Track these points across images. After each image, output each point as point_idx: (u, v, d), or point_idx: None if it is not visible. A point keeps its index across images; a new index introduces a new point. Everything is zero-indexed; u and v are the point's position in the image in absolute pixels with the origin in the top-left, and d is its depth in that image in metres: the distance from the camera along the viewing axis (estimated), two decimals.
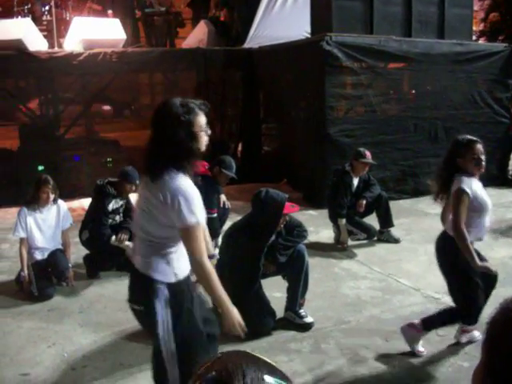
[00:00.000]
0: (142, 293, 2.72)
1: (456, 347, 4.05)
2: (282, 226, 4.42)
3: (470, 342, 4.09)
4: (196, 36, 11.18)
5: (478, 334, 4.10)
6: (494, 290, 4.99)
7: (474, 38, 11.14)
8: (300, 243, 4.53)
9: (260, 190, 4.41)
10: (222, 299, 2.66)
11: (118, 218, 5.76)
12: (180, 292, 2.73)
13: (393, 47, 8.50)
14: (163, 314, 2.65)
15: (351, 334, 4.35)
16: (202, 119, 2.63)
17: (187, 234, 2.58)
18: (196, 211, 2.55)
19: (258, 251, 4.27)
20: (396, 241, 6.62)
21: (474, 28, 12.29)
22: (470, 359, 3.85)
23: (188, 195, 2.54)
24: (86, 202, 7.93)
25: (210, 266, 2.63)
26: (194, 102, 2.65)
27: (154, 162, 2.62)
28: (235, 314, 2.71)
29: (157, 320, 2.64)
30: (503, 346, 0.90)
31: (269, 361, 0.98)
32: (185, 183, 2.57)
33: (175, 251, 2.72)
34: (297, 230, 4.53)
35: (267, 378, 0.89)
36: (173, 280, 2.70)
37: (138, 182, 5.63)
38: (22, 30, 8.97)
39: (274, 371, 0.92)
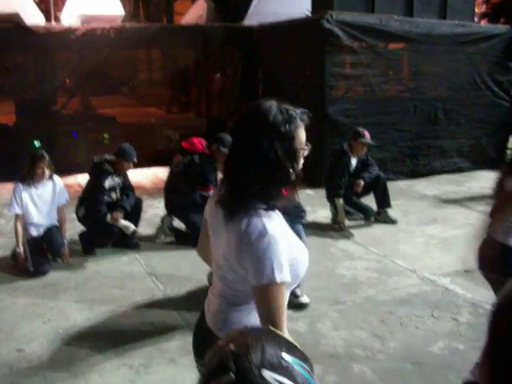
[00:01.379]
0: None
1: (452, 329, 4.06)
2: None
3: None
4: (195, 12, 11.07)
5: None
6: None
7: (475, 19, 11.01)
8: (296, 224, 4.50)
9: None
10: None
11: (114, 195, 5.73)
12: None
13: (394, 27, 8.41)
14: None
15: (347, 314, 4.35)
16: (303, 134, 1.91)
17: (261, 295, 1.79)
18: (279, 267, 1.75)
19: None
20: (393, 222, 6.60)
21: (476, 10, 12.16)
22: (465, 341, 3.86)
23: (267, 244, 1.75)
24: (82, 178, 7.91)
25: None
26: (295, 110, 1.91)
27: (237, 191, 1.85)
28: None
29: None
30: (507, 340, 0.87)
31: (291, 340, 0.96)
32: (268, 227, 1.78)
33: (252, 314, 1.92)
34: (294, 211, 4.49)
35: (286, 356, 0.87)
36: None
37: (135, 159, 5.62)
38: (20, 4, 8.86)
39: (294, 350, 0.90)
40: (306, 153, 1.94)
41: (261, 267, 1.74)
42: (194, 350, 2.14)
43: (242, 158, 1.85)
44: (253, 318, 1.90)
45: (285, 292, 1.81)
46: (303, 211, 4.59)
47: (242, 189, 1.83)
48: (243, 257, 1.79)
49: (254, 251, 1.76)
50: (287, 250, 1.80)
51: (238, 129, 1.92)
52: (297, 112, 1.90)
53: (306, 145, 1.93)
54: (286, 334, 1.69)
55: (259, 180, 1.82)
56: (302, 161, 1.93)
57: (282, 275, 1.75)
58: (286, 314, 1.80)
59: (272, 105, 1.89)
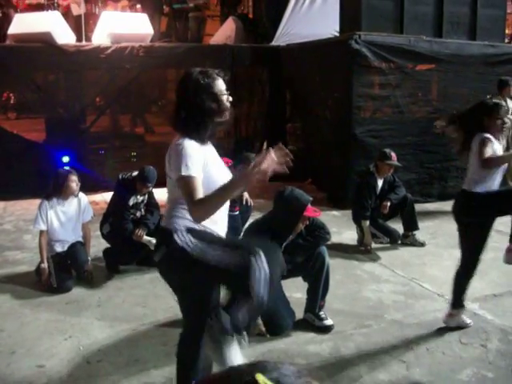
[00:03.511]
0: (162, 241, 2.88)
1: (480, 356, 3.93)
2: (303, 227, 4.33)
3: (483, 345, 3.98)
4: (224, 33, 11.14)
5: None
6: None
7: (506, 40, 10.89)
8: (321, 245, 4.43)
9: (285, 188, 4.34)
10: (235, 182, 2.65)
11: (138, 213, 5.72)
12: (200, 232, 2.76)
13: (423, 47, 8.35)
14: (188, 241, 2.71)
15: (372, 338, 4.25)
16: (220, 83, 2.81)
17: (181, 186, 2.67)
18: (190, 165, 2.65)
19: None
20: (421, 245, 6.49)
21: (507, 31, 12.04)
22: (494, 369, 3.73)
23: (185, 151, 2.67)
24: (108, 196, 7.94)
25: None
26: (213, 70, 2.85)
27: (175, 125, 2.83)
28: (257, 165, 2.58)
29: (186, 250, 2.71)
30: None
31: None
32: (186, 143, 2.70)
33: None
34: (318, 232, 4.42)
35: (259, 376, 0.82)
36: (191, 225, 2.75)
37: (150, 184, 5.57)
38: (51, 23, 9.02)
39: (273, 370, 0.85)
40: (227, 98, 2.82)
41: (175, 165, 2.68)
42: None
43: (178, 106, 2.82)
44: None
45: (195, 182, 2.64)
46: (328, 233, 4.51)
47: (179, 124, 2.81)
48: (170, 161, 2.75)
49: (173, 155, 2.72)
50: (200, 161, 2.70)
51: (176, 90, 2.88)
52: (214, 71, 2.83)
53: (226, 93, 2.82)
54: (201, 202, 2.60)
55: (191, 117, 2.76)
56: (227, 104, 2.82)
57: (188, 171, 2.64)
58: (198, 194, 2.61)
59: (195, 69, 2.83)
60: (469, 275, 4.30)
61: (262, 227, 4.30)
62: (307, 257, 4.36)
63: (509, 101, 8.18)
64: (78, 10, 10.75)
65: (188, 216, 2.71)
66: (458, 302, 4.32)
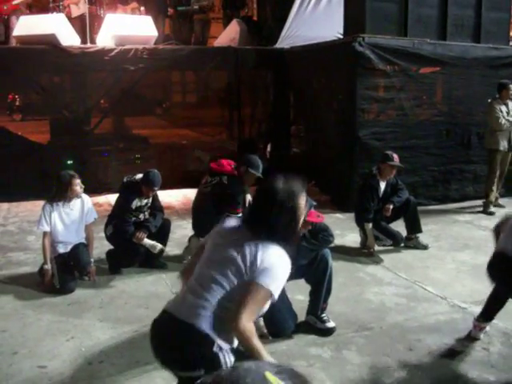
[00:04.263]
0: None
1: (482, 359, 3.92)
2: (306, 231, 4.31)
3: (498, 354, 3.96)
4: (228, 35, 11.15)
5: None
6: None
7: (510, 43, 10.86)
8: (324, 248, 4.42)
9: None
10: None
11: (142, 216, 5.72)
12: None
13: (427, 50, 8.34)
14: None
15: (374, 340, 4.24)
16: (302, 200, 2.63)
17: (254, 292, 2.41)
18: (278, 283, 2.45)
19: None
20: (424, 247, 6.47)
21: (511, 33, 12.01)
22: (496, 372, 3.72)
23: (279, 266, 2.48)
24: (112, 198, 7.97)
25: (251, 332, 2.39)
26: (295, 181, 2.63)
27: (255, 232, 2.55)
28: None
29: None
30: None
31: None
32: (280, 254, 2.51)
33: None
34: (322, 234, 4.41)
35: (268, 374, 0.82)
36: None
37: (156, 188, 5.58)
38: (56, 25, 9.05)
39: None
40: (305, 212, 2.69)
41: (269, 273, 2.41)
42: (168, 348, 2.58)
43: (260, 218, 2.59)
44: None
45: (264, 300, 2.43)
46: (331, 235, 4.51)
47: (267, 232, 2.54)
48: (256, 261, 2.44)
49: (273, 262, 2.45)
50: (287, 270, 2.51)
51: (258, 201, 2.74)
52: (297, 184, 2.61)
53: (304, 208, 2.65)
54: (250, 324, 2.37)
55: (268, 233, 2.52)
56: (302, 219, 2.65)
57: (276, 290, 2.43)
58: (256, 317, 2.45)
59: (278, 185, 2.58)
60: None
61: None
62: (311, 259, 4.36)
63: (509, 103, 8.20)
64: (77, 11, 10.78)
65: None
66: (491, 316, 4.24)
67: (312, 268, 4.36)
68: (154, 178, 5.52)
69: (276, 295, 2.43)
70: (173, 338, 2.54)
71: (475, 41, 8.93)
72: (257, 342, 2.37)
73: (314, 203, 4.20)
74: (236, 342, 2.52)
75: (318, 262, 4.35)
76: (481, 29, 8.94)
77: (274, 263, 2.45)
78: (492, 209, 8.30)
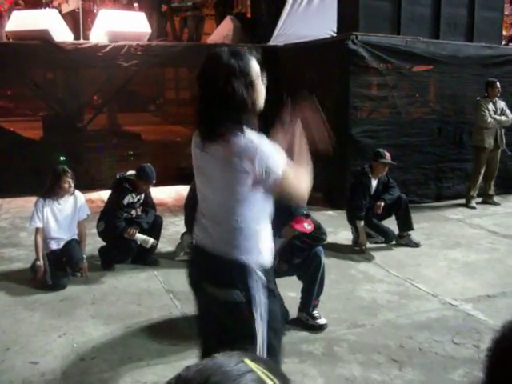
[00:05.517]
0: (233, 277, 2.31)
1: (473, 356, 3.95)
2: (288, 238, 4.29)
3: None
4: (221, 32, 11.15)
5: None
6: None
7: (503, 42, 10.92)
8: (317, 246, 4.43)
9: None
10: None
11: (133, 212, 5.73)
12: (274, 280, 2.45)
13: (420, 48, 8.37)
14: (261, 303, 2.30)
15: (365, 337, 4.26)
16: (255, 65, 2.27)
17: (285, 184, 2.23)
18: (280, 158, 2.21)
19: None
20: (416, 245, 6.50)
21: (504, 32, 12.06)
22: None
23: (265, 146, 2.19)
24: (104, 194, 7.96)
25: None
26: (244, 48, 2.31)
27: (212, 123, 2.22)
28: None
29: (253, 312, 2.28)
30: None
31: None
32: (256, 136, 2.21)
33: (261, 228, 2.35)
34: (315, 233, 4.42)
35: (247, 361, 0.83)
36: (266, 264, 2.35)
37: (153, 181, 5.62)
38: (49, 21, 9.02)
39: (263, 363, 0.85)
40: (263, 80, 2.31)
41: (273, 163, 2.16)
42: (203, 274, 2.38)
43: (208, 100, 2.23)
44: (256, 209, 2.30)
45: (290, 166, 2.22)
46: (324, 233, 4.52)
47: (219, 122, 2.19)
48: (250, 160, 2.15)
49: (262, 155, 2.15)
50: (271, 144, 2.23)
51: (198, 77, 2.27)
52: (245, 49, 2.27)
53: (263, 76, 2.30)
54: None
55: (230, 113, 2.18)
56: (263, 89, 2.31)
57: (283, 160, 2.20)
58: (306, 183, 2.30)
59: (223, 49, 2.23)
60: None
61: None
62: (304, 257, 4.37)
63: (497, 101, 8.28)
64: (66, 7, 10.75)
65: (258, 236, 2.32)
66: None
67: (305, 266, 4.38)
68: (150, 171, 5.57)
69: (285, 159, 2.23)
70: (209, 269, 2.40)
71: (468, 39, 8.97)
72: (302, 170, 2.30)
73: (304, 212, 4.17)
74: (267, 259, 2.36)
75: (311, 260, 4.36)
76: (473, 28, 8.99)
77: (260, 147, 2.18)
78: (473, 204, 8.49)
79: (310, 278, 4.40)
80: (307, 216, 4.18)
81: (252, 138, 2.19)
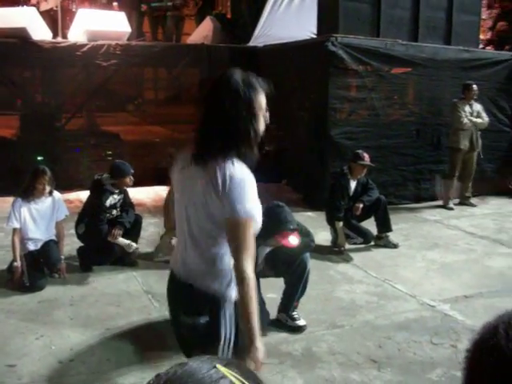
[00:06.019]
0: (204, 307, 2.28)
1: (450, 356, 3.99)
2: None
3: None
4: (201, 32, 11.12)
5: None
6: (490, 300, 4.97)
7: (480, 46, 11.05)
8: (305, 253, 4.43)
9: (277, 203, 4.26)
10: (255, 330, 2.11)
11: (115, 212, 5.71)
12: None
13: (399, 51, 8.43)
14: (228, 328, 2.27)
15: (344, 338, 4.29)
16: (262, 98, 2.23)
17: (235, 228, 2.11)
18: (252, 205, 2.11)
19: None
20: (394, 246, 6.55)
21: (482, 37, 12.21)
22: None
23: (246, 184, 2.10)
24: (82, 195, 7.89)
25: (253, 281, 2.12)
26: (256, 77, 2.26)
27: (208, 143, 2.17)
28: (261, 351, 2.13)
29: (220, 334, 2.26)
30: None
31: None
32: (244, 171, 2.13)
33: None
34: (304, 240, 4.40)
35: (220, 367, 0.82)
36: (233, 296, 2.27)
37: (131, 171, 5.63)
38: (27, 19, 8.92)
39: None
40: (265, 116, 2.25)
41: (241, 202, 2.06)
42: (182, 305, 2.34)
43: (210, 119, 2.18)
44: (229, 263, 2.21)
45: (252, 224, 2.11)
46: (312, 241, 4.55)
47: (215, 143, 2.14)
48: (225, 194, 2.08)
49: (237, 188, 2.07)
50: (255, 191, 2.14)
51: (208, 93, 2.24)
52: (258, 79, 2.24)
53: (266, 110, 2.25)
54: (251, 268, 2.09)
55: (228, 136, 2.13)
56: (263, 125, 2.24)
57: (256, 212, 2.12)
58: (253, 249, 2.12)
59: (235, 72, 2.20)
60: None
61: None
62: (290, 262, 4.37)
63: (474, 103, 8.39)
64: (45, 5, 10.64)
65: (227, 270, 2.24)
66: None
67: (290, 270, 4.38)
68: (125, 165, 5.59)
69: (258, 217, 2.15)
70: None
71: (446, 43, 9.06)
72: (255, 302, 2.11)
73: (291, 227, 4.14)
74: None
75: (297, 266, 4.37)
76: (452, 31, 9.08)
77: (242, 186, 2.09)
78: (451, 204, 8.61)
79: (293, 282, 4.41)
80: (294, 230, 4.16)
81: (241, 170, 2.12)
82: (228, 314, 2.26)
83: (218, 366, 0.80)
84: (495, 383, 0.80)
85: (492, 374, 0.80)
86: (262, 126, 2.23)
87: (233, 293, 2.26)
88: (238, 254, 2.11)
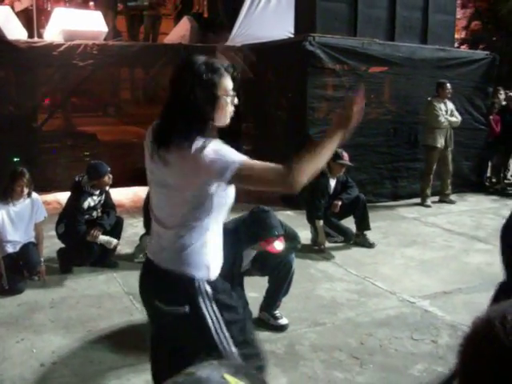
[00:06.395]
0: (180, 293, 2.29)
1: (431, 351, 4.05)
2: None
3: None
4: (178, 32, 11.09)
5: None
6: (469, 296, 5.05)
7: (455, 45, 11.19)
8: (290, 254, 4.44)
9: (263, 208, 4.25)
10: (332, 139, 2.32)
11: (95, 213, 5.68)
12: (223, 290, 2.38)
13: (375, 50, 8.50)
14: (212, 312, 2.29)
15: (326, 335, 4.31)
16: (227, 82, 2.23)
17: (247, 175, 2.13)
18: (234, 154, 2.13)
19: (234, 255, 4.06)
20: (371, 245, 6.58)
21: (456, 36, 12.38)
22: (444, 363, 3.84)
23: (217, 148, 2.12)
24: (60, 196, 7.86)
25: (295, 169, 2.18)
26: (222, 62, 2.26)
27: (170, 129, 2.19)
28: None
29: (206, 322, 2.27)
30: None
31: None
32: (209, 141, 2.13)
33: (210, 240, 2.30)
34: (291, 243, 4.40)
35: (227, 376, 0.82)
36: (212, 277, 2.32)
37: (108, 169, 5.61)
38: (1, 18, 8.81)
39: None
40: (232, 100, 2.25)
41: (217, 166, 2.07)
42: (152, 291, 2.39)
43: (171, 104, 2.24)
44: (204, 236, 2.26)
45: (255, 161, 2.15)
46: (299, 242, 4.60)
47: (177, 127, 2.16)
48: (202, 169, 2.10)
49: (212, 158, 2.07)
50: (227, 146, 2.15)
51: (172, 78, 2.27)
52: (223, 64, 2.23)
53: (232, 94, 2.25)
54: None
55: (188, 120, 2.15)
56: (230, 107, 2.25)
57: (239, 157, 2.11)
58: (273, 165, 2.18)
59: (199, 58, 2.22)
60: None
61: (230, 225, 4.20)
62: (276, 262, 4.38)
63: (447, 102, 8.50)
64: (19, 5, 10.52)
65: (206, 249, 2.28)
66: None
67: (276, 271, 4.39)
68: (101, 166, 5.56)
69: (241, 157, 2.14)
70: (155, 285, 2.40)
71: (422, 42, 9.17)
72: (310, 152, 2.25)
73: (276, 233, 4.12)
74: (213, 272, 2.33)
75: (283, 266, 4.38)
76: (428, 30, 9.19)
77: (203, 156, 2.10)
78: (429, 202, 8.72)
79: (278, 283, 4.43)
80: (279, 236, 4.15)
81: (202, 143, 2.12)
82: (208, 301, 2.27)
83: (226, 375, 0.80)
84: (496, 375, 0.82)
85: (492, 366, 0.83)
86: (229, 108, 2.25)
87: (211, 275, 2.30)
88: (276, 183, 2.21)
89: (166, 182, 2.24)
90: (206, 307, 2.27)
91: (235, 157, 2.11)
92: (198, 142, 2.12)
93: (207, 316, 2.27)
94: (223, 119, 2.27)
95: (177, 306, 2.29)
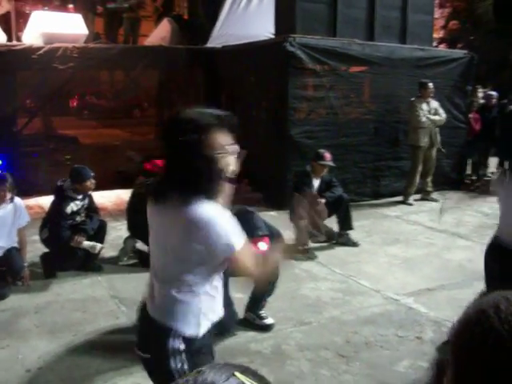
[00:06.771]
0: (154, 344, 2.25)
1: (416, 348, 4.09)
2: None
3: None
4: (159, 34, 11.08)
5: None
6: (452, 292, 5.11)
7: (434, 44, 11.30)
8: None
9: (246, 210, 4.28)
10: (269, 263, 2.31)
11: (78, 218, 5.65)
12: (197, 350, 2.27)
13: (355, 50, 8.56)
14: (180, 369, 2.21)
15: (312, 334, 4.34)
16: (218, 137, 2.11)
17: (241, 259, 2.13)
18: (235, 234, 2.10)
19: None
20: (354, 244, 6.62)
21: (434, 35, 12.48)
22: (429, 359, 3.88)
23: (217, 220, 2.06)
24: (42, 200, 7.81)
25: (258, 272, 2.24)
26: (211, 114, 2.15)
27: (171, 190, 2.13)
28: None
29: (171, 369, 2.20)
30: (472, 366, 0.88)
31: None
32: (210, 209, 2.07)
33: (204, 299, 2.24)
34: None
35: (238, 374, 0.84)
36: (200, 333, 2.24)
37: (91, 173, 5.59)
38: None
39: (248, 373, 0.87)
40: (232, 152, 2.15)
41: (223, 241, 2.04)
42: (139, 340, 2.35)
43: (168, 166, 2.20)
44: (199, 300, 2.19)
45: (247, 247, 2.14)
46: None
47: (177, 189, 2.09)
48: (201, 240, 2.04)
49: (211, 233, 2.03)
50: (230, 219, 2.11)
51: (163, 136, 2.24)
52: (213, 115, 2.12)
53: (229, 145, 2.14)
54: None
55: (187, 182, 2.09)
56: (229, 159, 2.15)
57: (239, 239, 2.09)
58: (254, 261, 2.16)
59: (186, 116, 2.14)
60: None
61: None
62: None
63: (431, 101, 8.59)
64: (1, 9, 10.44)
65: (193, 307, 2.20)
66: None
67: None
68: (84, 170, 5.55)
69: (241, 240, 2.11)
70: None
71: (401, 42, 9.25)
72: (266, 264, 2.27)
73: (260, 233, 4.13)
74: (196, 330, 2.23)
75: None
76: (406, 30, 9.28)
77: (205, 223, 2.04)
78: (411, 200, 8.82)
79: (264, 286, 4.44)
80: (263, 236, 4.17)
81: (206, 210, 2.06)
82: (177, 347, 2.20)
83: (236, 373, 0.82)
84: (493, 363, 0.83)
85: (489, 356, 0.84)
86: (225, 162, 2.14)
87: (200, 331, 2.24)
88: (241, 273, 2.25)
89: (165, 241, 2.20)
90: (176, 364, 2.20)
91: (233, 239, 2.07)
92: (196, 209, 2.05)
93: (175, 373, 2.21)
94: (227, 171, 2.17)
95: (149, 356, 2.27)
